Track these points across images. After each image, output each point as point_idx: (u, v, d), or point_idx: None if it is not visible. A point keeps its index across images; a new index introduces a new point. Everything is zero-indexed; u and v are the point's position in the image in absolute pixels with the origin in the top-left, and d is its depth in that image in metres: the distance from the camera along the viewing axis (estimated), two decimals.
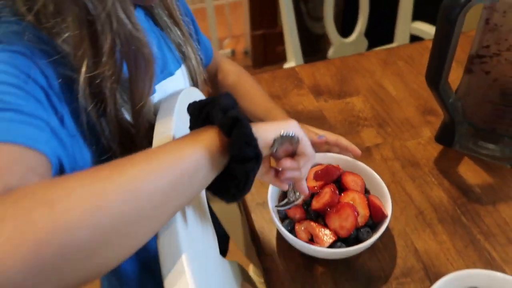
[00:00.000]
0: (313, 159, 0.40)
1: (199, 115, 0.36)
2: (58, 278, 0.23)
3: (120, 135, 0.40)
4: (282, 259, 0.53)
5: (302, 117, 0.73)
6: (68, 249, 0.23)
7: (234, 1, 2.09)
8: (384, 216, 0.50)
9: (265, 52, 2.10)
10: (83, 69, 0.35)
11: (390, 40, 1.27)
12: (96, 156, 0.40)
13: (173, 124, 0.39)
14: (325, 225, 0.51)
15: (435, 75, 0.53)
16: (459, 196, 0.59)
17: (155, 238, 0.31)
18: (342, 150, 0.59)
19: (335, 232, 0.50)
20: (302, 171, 0.40)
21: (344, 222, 0.49)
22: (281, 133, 0.36)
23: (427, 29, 1.22)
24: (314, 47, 1.78)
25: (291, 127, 0.37)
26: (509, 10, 0.49)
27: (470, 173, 0.62)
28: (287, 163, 0.38)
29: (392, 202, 0.51)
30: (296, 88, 0.79)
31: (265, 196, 0.52)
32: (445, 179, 0.62)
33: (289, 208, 0.50)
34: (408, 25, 1.25)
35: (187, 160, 0.31)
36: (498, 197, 0.59)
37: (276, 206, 0.51)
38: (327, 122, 0.72)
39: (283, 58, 1.23)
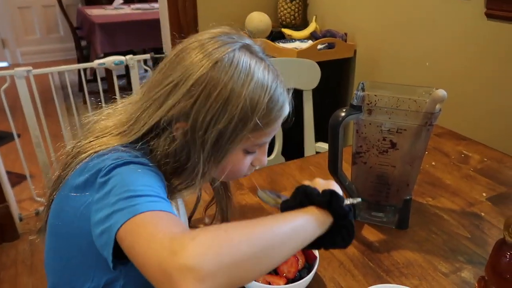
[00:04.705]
0: None
1: (294, 205, 0.59)
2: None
3: None
4: None
5: (246, 209, 0.95)
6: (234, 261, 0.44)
7: None
8: (314, 257, 0.71)
9: None
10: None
11: (301, 157, 1.61)
12: None
13: None
14: (277, 274, 0.70)
15: (333, 165, 0.82)
16: (365, 249, 0.83)
17: None
18: None
19: (285, 277, 0.69)
20: None
21: (290, 267, 0.70)
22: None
23: (326, 147, 1.58)
24: None
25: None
26: (367, 124, 0.82)
27: (370, 234, 0.88)
28: None
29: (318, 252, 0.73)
30: (239, 190, 1.03)
31: None
32: (354, 239, 0.86)
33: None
34: (313, 145, 1.62)
35: (299, 219, 0.54)
36: (390, 247, 0.84)
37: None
38: (265, 211, 0.95)
39: None
